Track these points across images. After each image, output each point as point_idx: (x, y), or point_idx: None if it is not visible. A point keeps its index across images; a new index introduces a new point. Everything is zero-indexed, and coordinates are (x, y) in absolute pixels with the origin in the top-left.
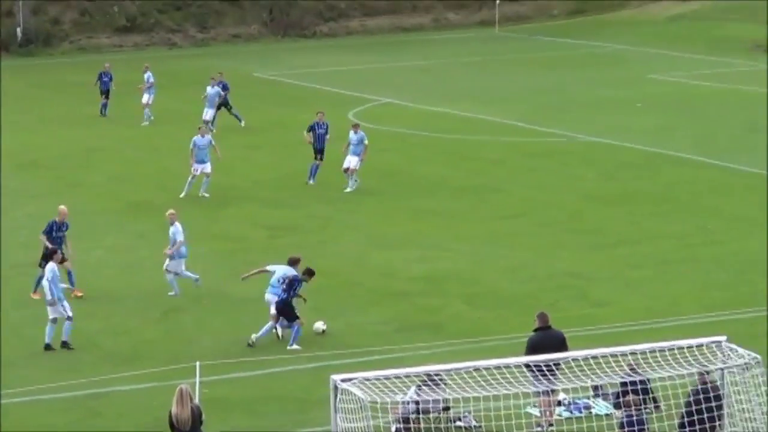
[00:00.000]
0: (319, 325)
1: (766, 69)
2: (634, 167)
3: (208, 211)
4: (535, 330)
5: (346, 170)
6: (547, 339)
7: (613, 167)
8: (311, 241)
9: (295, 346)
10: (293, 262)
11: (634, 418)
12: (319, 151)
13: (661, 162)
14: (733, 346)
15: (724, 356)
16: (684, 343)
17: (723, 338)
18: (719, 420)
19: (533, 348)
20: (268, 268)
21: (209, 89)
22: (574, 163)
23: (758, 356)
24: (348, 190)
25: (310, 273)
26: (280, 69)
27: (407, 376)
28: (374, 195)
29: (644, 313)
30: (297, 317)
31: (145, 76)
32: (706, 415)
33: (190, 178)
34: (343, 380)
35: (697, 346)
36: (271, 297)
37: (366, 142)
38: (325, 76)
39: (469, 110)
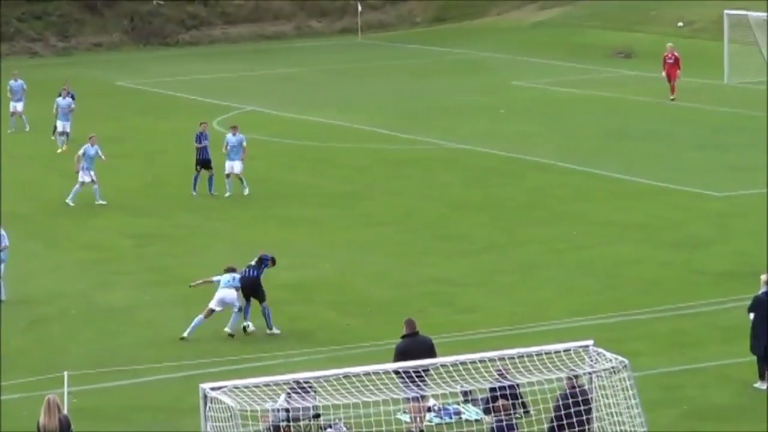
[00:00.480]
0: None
1: (628, 75)
2: (498, 173)
3: (74, 220)
4: (403, 336)
5: (228, 175)
6: (415, 345)
7: (478, 174)
8: (179, 250)
9: (275, 330)
10: (231, 270)
11: (504, 423)
12: (205, 162)
13: (526, 168)
14: (601, 350)
15: (591, 360)
16: (552, 347)
17: (590, 342)
18: (588, 424)
19: (402, 354)
20: (213, 279)
21: (60, 100)
22: (438, 170)
23: (625, 360)
24: (228, 194)
25: (273, 261)
26: (142, 77)
27: (277, 384)
28: (241, 203)
29: (511, 319)
30: (266, 297)
31: (15, 83)
32: (575, 419)
33: (77, 186)
34: (212, 389)
35: (564, 351)
36: (227, 291)
37: (245, 144)
38: (188, 85)
39: (333, 118)
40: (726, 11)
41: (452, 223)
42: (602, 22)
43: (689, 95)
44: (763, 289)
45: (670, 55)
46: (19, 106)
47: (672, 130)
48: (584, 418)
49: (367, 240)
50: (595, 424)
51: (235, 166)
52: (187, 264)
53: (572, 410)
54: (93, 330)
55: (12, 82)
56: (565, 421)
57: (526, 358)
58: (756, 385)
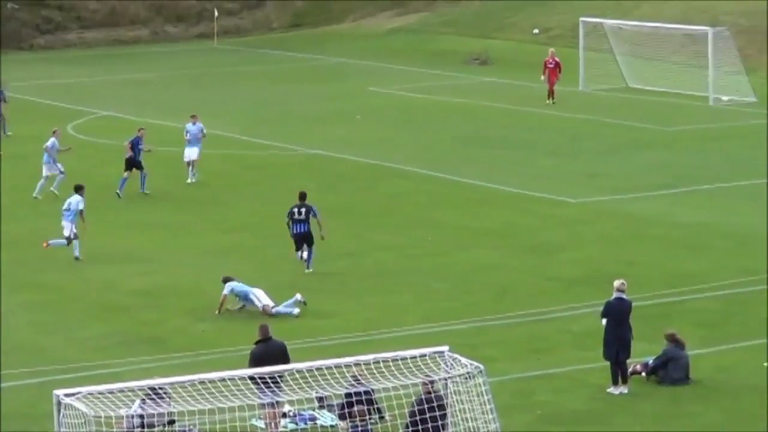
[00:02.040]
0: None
1: (484, 81)
2: (354, 179)
3: None
4: (257, 342)
5: (189, 163)
6: (269, 350)
7: (334, 179)
8: (32, 256)
9: (311, 269)
10: (228, 280)
11: (360, 428)
12: (137, 163)
13: (381, 174)
14: (456, 355)
15: (447, 366)
16: (407, 353)
17: (445, 348)
18: (443, 429)
19: (256, 360)
20: (226, 292)
21: None
22: (294, 176)
23: (480, 365)
24: (189, 181)
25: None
26: None
27: (131, 390)
28: (94, 208)
29: (367, 324)
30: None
31: None
32: (430, 425)
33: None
34: (66, 395)
35: (420, 357)
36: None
37: (204, 132)
38: (43, 89)
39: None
40: (582, 18)
41: None
42: (458, 28)
43: (544, 102)
44: (614, 295)
45: (551, 60)
46: None
47: (527, 137)
48: (439, 423)
49: (221, 246)
50: (451, 430)
51: (192, 153)
52: (40, 270)
53: (427, 416)
54: None
55: None
56: (420, 427)
57: (381, 364)
58: (609, 390)
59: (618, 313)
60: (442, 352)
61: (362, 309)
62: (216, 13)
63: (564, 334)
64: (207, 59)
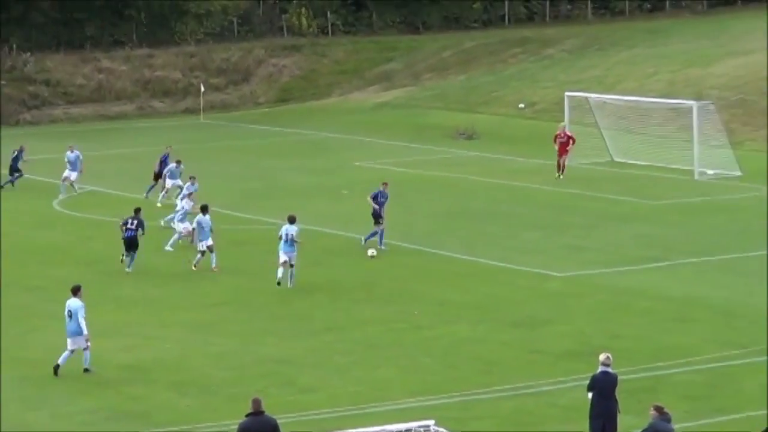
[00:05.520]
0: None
1: (470, 156)
2: (339, 253)
3: None
4: (248, 415)
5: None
6: (258, 425)
7: (319, 253)
8: (13, 333)
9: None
10: (292, 220)
11: None
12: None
13: (367, 248)
14: (442, 429)
15: None
16: (394, 427)
17: (431, 422)
18: None
19: None
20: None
21: None
22: (278, 250)
23: None
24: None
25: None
26: None
27: None
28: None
29: (353, 399)
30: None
31: None
32: None
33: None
34: None
35: (406, 430)
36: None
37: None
38: (28, 164)
39: (174, 197)
40: (567, 93)
41: (292, 303)
42: (445, 103)
43: (530, 176)
44: (600, 369)
45: (562, 134)
46: None
47: (512, 210)
48: None
49: (206, 320)
50: None
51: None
52: (23, 346)
53: None
54: None
55: None
56: None
57: None
58: None
59: (604, 387)
60: (429, 426)
61: (349, 383)
62: (202, 89)
63: (551, 407)
64: (192, 134)
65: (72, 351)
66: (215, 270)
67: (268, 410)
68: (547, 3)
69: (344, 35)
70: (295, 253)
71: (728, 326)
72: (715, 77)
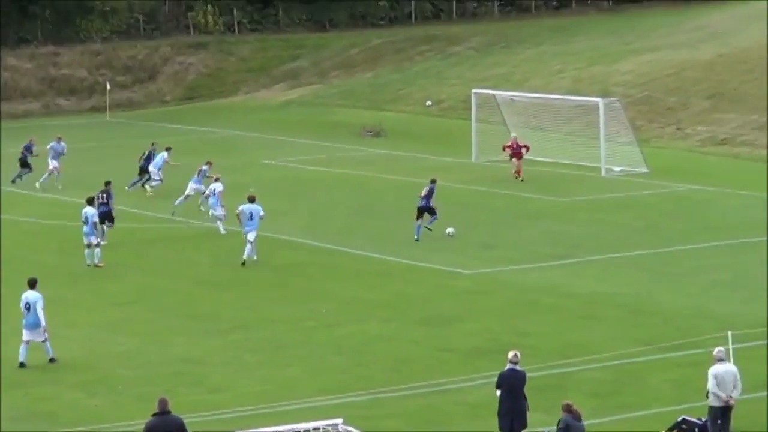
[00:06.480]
0: (451, 230)
1: (377, 153)
2: None
3: None
4: (154, 414)
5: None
6: (163, 424)
7: (226, 252)
8: None
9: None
10: (252, 200)
11: None
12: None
13: (275, 246)
14: (350, 428)
15: None
16: (301, 426)
17: (339, 421)
18: None
19: None
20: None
21: None
22: (187, 249)
23: None
24: None
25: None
26: None
27: None
28: None
29: (261, 398)
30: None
31: None
32: None
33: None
34: None
35: (314, 429)
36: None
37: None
38: None
39: (81, 197)
40: (474, 90)
41: (200, 301)
42: (352, 101)
43: (439, 174)
44: (508, 366)
45: (514, 144)
46: None
47: None
48: None
49: (114, 319)
50: None
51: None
52: None
53: None
54: None
55: None
56: None
57: None
58: None
59: (512, 385)
60: (337, 424)
61: (257, 382)
62: (108, 87)
63: (459, 405)
64: (99, 133)
65: (27, 342)
66: (100, 265)
67: (176, 410)
68: (454, 1)
69: (251, 33)
70: (256, 231)
71: (634, 323)
72: (621, 74)
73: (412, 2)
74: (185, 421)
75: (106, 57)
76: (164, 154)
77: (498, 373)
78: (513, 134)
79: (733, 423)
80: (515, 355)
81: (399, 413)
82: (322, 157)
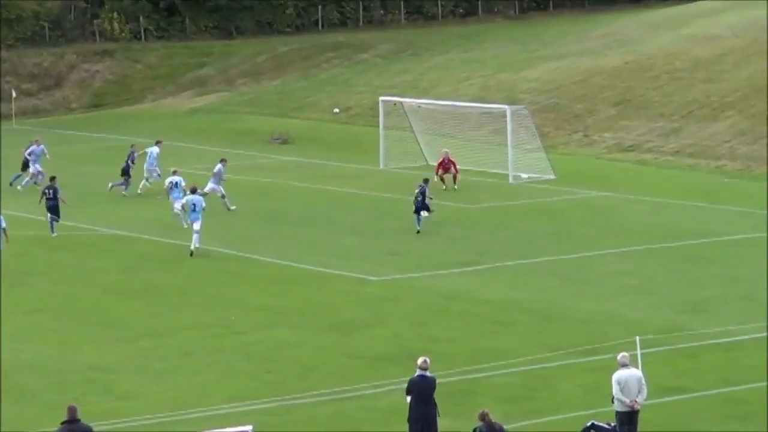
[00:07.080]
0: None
1: (285, 160)
2: (156, 259)
3: None
4: (63, 423)
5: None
6: None
7: (135, 260)
8: None
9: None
10: (194, 191)
11: None
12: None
13: (183, 253)
14: None
15: None
16: None
17: (249, 428)
18: None
19: None
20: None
21: None
22: (96, 256)
23: None
24: None
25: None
26: None
27: None
28: None
29: (171, 405)
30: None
31: None
32: None
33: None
34: None
35: None
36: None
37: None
38: None
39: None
40: (381, 98)
41: (109, 309)
42: (259, 108)
43: (346, 181)
44: (417, 373)
45: (445, 160)
46: None
47: (330, 215)
48: None
49: (21, 328)
50: None
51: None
52: None
53: None
54: None
55: None
56: None
57: None
58: None
59: (422, 391)
60: (246, 431)
61: (167, 389)
62: (13, 94)
63: (369, 411)
64: (5, 140)
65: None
66: None
67: (87, 417)
68: (360, 8)
69: (157, 40)
70: (201, 220)
71: (544, 329)
72: (528, 82)
73: (319, 9)
74: (94, 428)
75: (11, 64)
76: (155, 149)
77: (408, 379)
78: (445, 150)
79: (640, 427)
80: (425, 361)
81: (308, 420)
82: (229, 165)
